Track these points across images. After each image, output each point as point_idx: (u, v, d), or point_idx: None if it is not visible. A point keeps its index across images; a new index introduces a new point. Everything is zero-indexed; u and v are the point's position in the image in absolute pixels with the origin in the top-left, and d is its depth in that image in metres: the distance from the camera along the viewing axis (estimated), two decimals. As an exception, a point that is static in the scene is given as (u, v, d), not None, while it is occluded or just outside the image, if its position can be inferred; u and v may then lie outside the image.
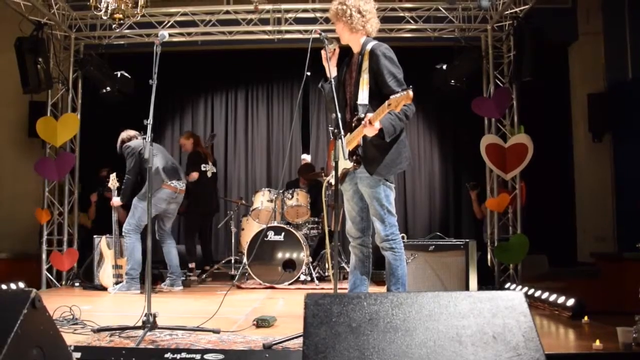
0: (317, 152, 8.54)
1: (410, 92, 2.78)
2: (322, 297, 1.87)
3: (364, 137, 3.13)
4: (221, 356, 2.49)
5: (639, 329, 2.78)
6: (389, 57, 3.16)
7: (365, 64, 3.18)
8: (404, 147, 3.22)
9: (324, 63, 3.26)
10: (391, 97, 2.84)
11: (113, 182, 5.50)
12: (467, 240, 4.68)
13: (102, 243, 5.64)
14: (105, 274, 5.51)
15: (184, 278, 5.82)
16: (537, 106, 6.97)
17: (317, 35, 3.15)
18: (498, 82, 6.37)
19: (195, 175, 6.43)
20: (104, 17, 5.34)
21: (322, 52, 3.23)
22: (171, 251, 5.58)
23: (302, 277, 5.88)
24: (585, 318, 3.73)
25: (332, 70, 3.23)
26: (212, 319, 3.26)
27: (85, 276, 6.04)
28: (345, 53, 3.41)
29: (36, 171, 6.17)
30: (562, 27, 7.28)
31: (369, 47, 3.21)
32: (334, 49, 3.25)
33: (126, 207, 5.72)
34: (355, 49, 3.32)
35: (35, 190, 6.73)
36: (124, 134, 5.60)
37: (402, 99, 2.79)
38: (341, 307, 1.84)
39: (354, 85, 3.25)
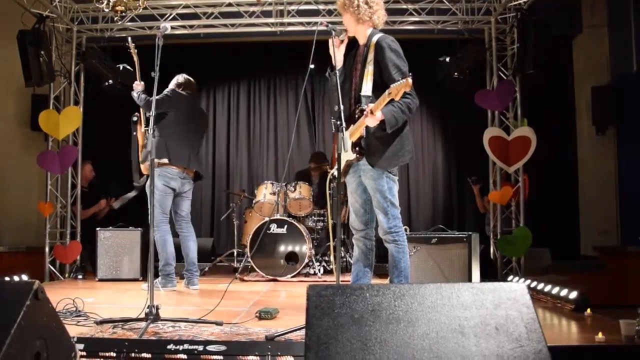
0: (324, 145, 8.50)
1: (409, 80, 2.82)
2: (324, 289, 1.87)
3: (367, 129, 3.13)
4: (223, 347, 2.49)
5: (641, 322, 2.77)
6: (395, 49, 3.16)
7: (371, 56, 3.18)
8: (407, 140, 3.22)
9: (332, 52, 3.25)
10: (391, 85, 2.85)
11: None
12: (470, 233, 4.66)
13: None
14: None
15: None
16: (541, 99, 6.94)
17: (324, 27, 3.13)
18: (501, 74, 6.33)
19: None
20: (106, 10, 5.34)
21: (330, 40, 3.21)
22: (189, 244, 4.84)
23: (305, 270, 5.89)
24: (588, 311, 3.72)
25: (339, 60, 3.25)
26: (215, 311, 3.28)
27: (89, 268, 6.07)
28: (352, 45, 3.39)
29: (39, 164, 6.17)
30: (566, 19, 7.24)
31: (375, 39, 3.20)
32: (343, 40, 3.25)
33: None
34: (362, 41, 3.32)
35: (38, 183, 6.75)
36: (181, 78, 5.13)
37: (401, 87, 2.81)
38: (344, 299, 1.84)
39: (358, 77, 3.24)
